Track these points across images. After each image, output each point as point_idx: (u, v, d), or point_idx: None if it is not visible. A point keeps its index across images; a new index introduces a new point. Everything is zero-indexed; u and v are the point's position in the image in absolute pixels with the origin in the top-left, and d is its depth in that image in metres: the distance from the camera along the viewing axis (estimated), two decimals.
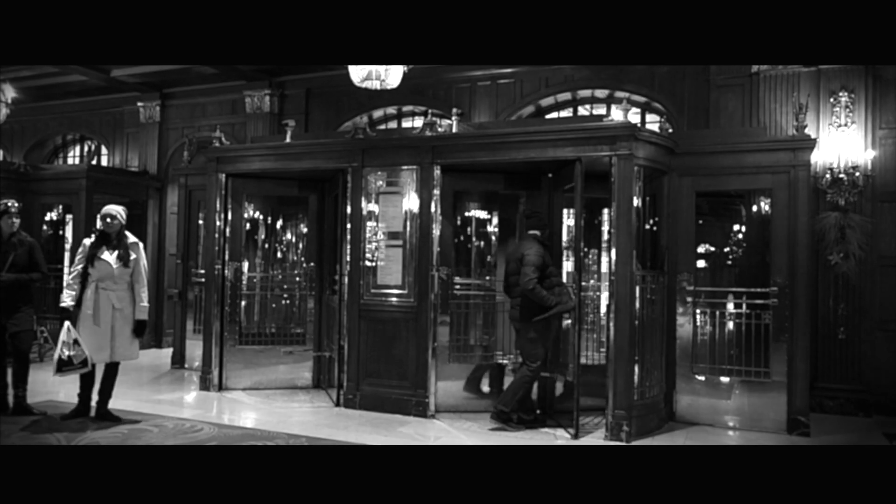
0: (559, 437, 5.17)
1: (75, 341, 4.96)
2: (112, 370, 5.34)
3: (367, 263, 5.99)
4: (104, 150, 10.77)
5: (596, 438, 5.14)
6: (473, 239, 6.40)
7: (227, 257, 6.66)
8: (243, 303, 6.96)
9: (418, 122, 8.38)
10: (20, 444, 4.54)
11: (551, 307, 5.19)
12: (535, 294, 5.13)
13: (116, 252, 5.18)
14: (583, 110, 8.33)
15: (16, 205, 5.47)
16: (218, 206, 6.64)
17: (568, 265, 6.36)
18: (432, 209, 5.74)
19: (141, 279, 5.26)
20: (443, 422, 5.56)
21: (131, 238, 5.32)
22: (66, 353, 4.93)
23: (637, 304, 5.17)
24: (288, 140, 6.49)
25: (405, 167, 5.87)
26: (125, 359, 5.28)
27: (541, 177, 6.04)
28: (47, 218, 9.51)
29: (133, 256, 5.24)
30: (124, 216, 5.32)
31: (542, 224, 5.52)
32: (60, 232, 9.60)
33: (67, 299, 5.13)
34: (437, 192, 5.75)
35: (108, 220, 5.23)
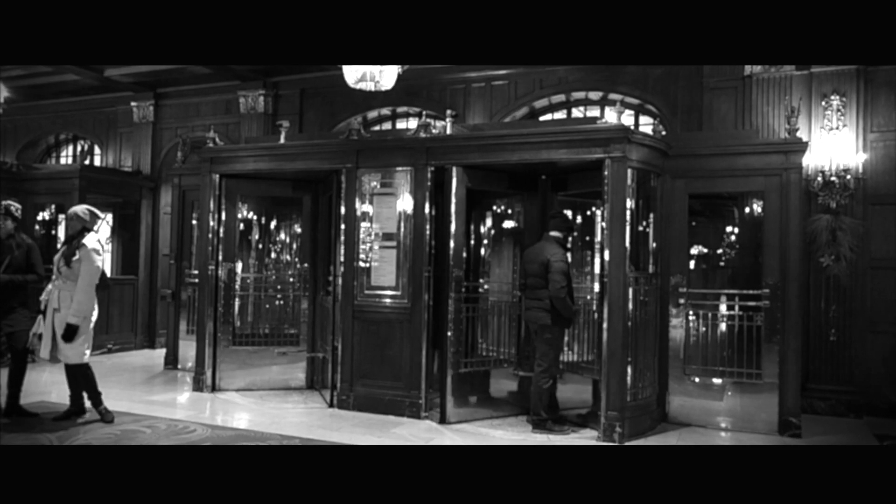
0: (586, 437, 5.22)
1: (38, 336, 5.20)
2: (69, 371, 5.26)
3: (361, 264, 5.99)
4: (97, 150, 10.73)
5: (589, 439, 5.16)
6: (473, 240, 6.39)
7: (220, 258, 6.65)
8: (237, 303, 6.95)
9: (413, 124, 8.38)
10: (11, 445, 4.52)
11: (570, 318, 5.34)
12: (563, 303, 5.20)
13: (66, 252, 5.18)
14: (577, 112, 8.35)
15: (13, 206, 5.46)
16: (212, 206, 6.63)
17: None
18: (426, 210, 5.74)
19: (80, 283, 5.06)
20: (436, 422, 5.56)
21: (86, 240, 5.15)
22: (28, 343, 5.25)
23: (630, 306, 5.19)
24: (282, 141, 6.49)
25: (399, 168, 5.88)
26: (64, 359, 5.18)
27: (537, 178, 6.05)
28: (40, 218, 9.47)
29: (76, 257, 5.10)
30: (86, 216, 5.27)
31: (567, 226, 5.52)
32: (53, 232, 9.57)
33: (43, 293, 5.32)
34: (428, 193, 5.74)
35: (65, 220, 5.39)
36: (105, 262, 5.66)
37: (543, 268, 5.25)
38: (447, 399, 5.56)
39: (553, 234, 5.43)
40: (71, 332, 5.03)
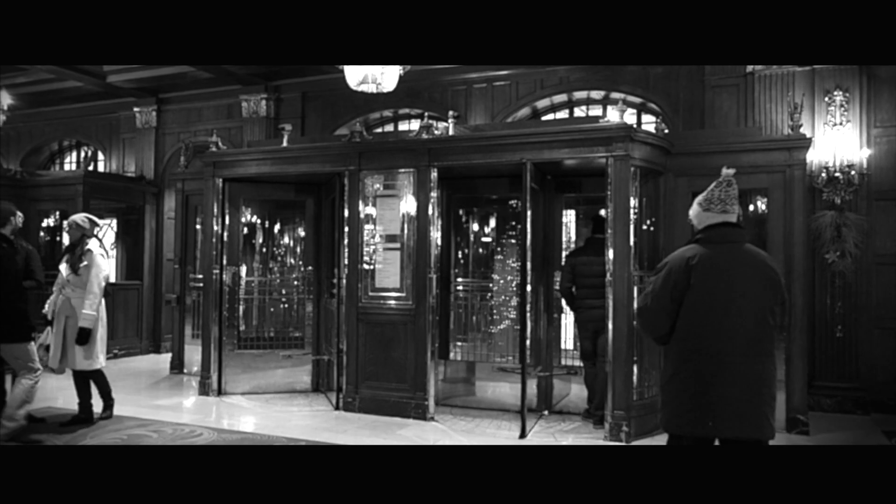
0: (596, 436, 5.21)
1: (46, 347, 5.21)
2: (78, 377, 5.31)
3: (365, 266, 5.99)
4: (100, 156, 10.76)
5: (595, 438, 5.15)
6: (475, 239, 6.40)
7: (224, 262, 6.65)
8: (241, 307, 6.96)
9: (415, 125, 8.39)
10: (13, 445, 4.52)
11: None
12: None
13: (71, 260, 5.24)
14: (579, 112, 8.35)
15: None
16: (215, 210, 6.63)
17: None
18: (429, 211, 5.74)
19: (90, 287, 5.13)
20: (442, 424, 5.56)
21: (90, 246, 5.24)
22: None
23: (635, 305, 5.18)
24: (284, 144, 6.49)
25: (402, 170, 5.88)
26: (73, 367, 5.21)
27: (544, 178, 6.03)
28: (44, 224, 9.50)
29: (84, 264, 5.17)
30: (85, 224, 5.33)
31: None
32: (57, 238, 9.59)
33: (47, 304, 5.37)
34: (434, 194, 5.74)
35: (67, 228, 5.42)
36: (110, 268, 5.70)
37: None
38: (524, 411, 5.22)
39: (599, 235, 5.48)
40: (84, 336, 5.10)
